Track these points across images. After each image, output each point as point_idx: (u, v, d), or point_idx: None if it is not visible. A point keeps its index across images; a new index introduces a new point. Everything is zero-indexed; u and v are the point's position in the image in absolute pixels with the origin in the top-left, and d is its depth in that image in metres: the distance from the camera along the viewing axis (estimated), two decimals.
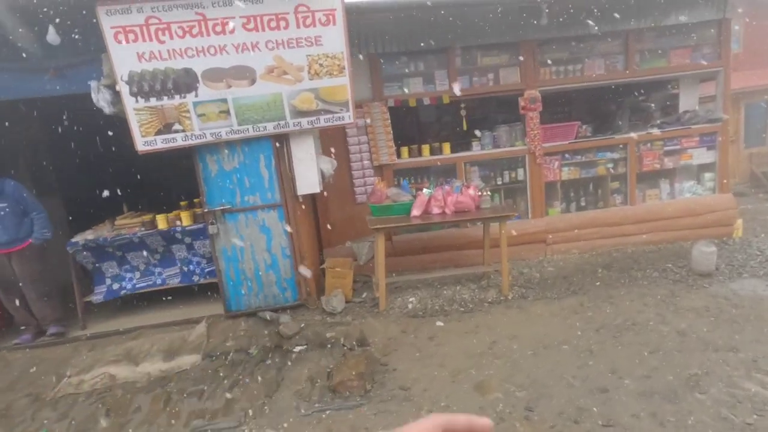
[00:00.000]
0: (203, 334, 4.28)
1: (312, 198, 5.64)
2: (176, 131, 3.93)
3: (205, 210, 4.25)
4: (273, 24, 3.78)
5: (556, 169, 5.95)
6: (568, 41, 5.61)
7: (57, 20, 3.60)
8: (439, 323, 4.44)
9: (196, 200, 4.89)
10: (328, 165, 4.87)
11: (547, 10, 4.93)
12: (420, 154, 5.85)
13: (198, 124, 3.95)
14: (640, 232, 5.98)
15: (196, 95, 3.85)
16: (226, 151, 4.20)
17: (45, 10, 3.53)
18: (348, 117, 4.23)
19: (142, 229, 4.62)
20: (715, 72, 5.92)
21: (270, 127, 4.10)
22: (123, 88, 3.72)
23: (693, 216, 6.00)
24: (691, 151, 6.07)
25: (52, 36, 3.58)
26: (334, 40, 3.94)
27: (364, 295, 5.11)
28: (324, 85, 4.06)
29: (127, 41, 3.60)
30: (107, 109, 3.84)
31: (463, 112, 5.73)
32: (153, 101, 3.80)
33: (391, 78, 5.57)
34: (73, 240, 4.54)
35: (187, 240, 4.65)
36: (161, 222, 4.63)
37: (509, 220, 4.70)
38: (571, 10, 5.22)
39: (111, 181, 4.88)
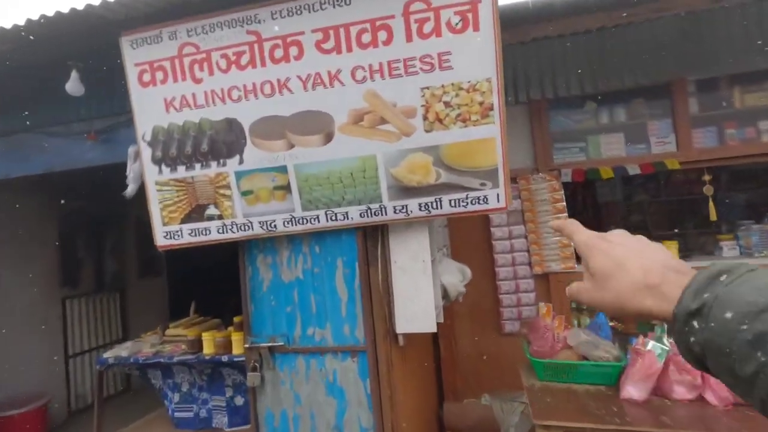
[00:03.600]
0: None
1: None
2: (211, 218, 2.40)
3: (248, 344, 2.51)
4: (366, 38, 2.09)
5: None
6: None
7: (88, 67, 2.53)
8: None
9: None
10: (458, 277, 2.78)
11: None
12: None
13: (242, 206, 2.35)
14: None
15: (241, 161, 2.30)
16: (287, 249, 2.50)
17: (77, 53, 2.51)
18: (497, 198, 2.16)
19: (184, 348, 3.12)
20: None
21: (354, 214, 2.28)
22: (144, 152, 2.38)
23: None
24: None
25: (75, 85, 2.49)
26: (476, 57, 2.04)
27: None
28: (452, 139, 2.13)
29: (154, 82, 2.31)
30: (130, 187, 2.54)
31: (708, 190, 3.11)
32: (181, 171, 2.36)
33: (567, 136, 3.37)
34: (104, 356, 3.26)
35: (235, 377, 2.96)
36: (207, 345, 3.07)
37: None
38: None
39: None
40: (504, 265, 3.41)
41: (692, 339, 0.41)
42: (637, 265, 0.47)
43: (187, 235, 2.40)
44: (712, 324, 0.39)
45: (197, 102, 2.26)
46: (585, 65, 2.91)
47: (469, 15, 2.00)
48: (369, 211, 2.26)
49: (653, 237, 0.53)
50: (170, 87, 2.28)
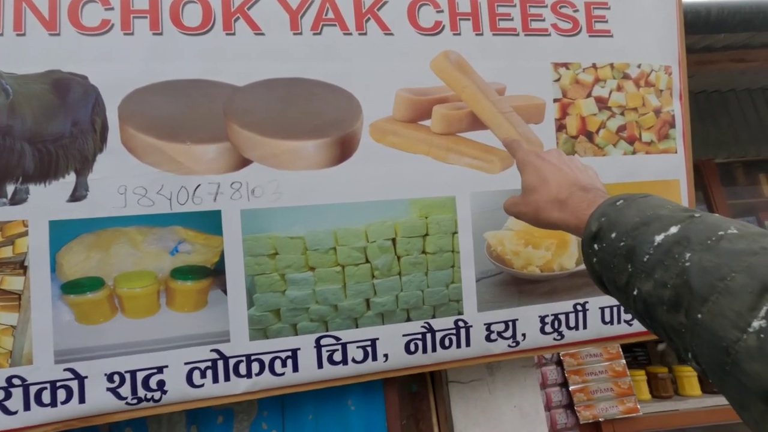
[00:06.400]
0: None
1: None
2: None
3: None
4: None
5: None
6: None
7: None
8: None
9: None
10: None
11: None
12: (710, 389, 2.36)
13: (53, 327, 0.77)
14: None
15: (80, 191, 0.80)
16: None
17: None
18: None
19: None
20: None
21: (394, 345, 0.87)
22: None
23: None
24: None
25: None
26: (650, 25, 1.05)
27: None
28: (611, 177, 1.01)
29: None
30: None
31: None
32: None
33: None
34: None
35: None
36: None
37: None
38: None
39: None
40: None
41: (594, 260, 0.43)
42: (555, 181, 0.52)
43: None
44: (604, 244, 0.42)
45: None
46: None
47: None
48: (429, 335, 0.89)
49: None
50: None
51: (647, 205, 0.41)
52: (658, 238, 0.37)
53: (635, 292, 0.39)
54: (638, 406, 2.19)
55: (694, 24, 1.61)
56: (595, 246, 0.43)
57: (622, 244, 0.40)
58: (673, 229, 0.37)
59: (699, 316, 0.32)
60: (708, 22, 1.60)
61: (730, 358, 0.30)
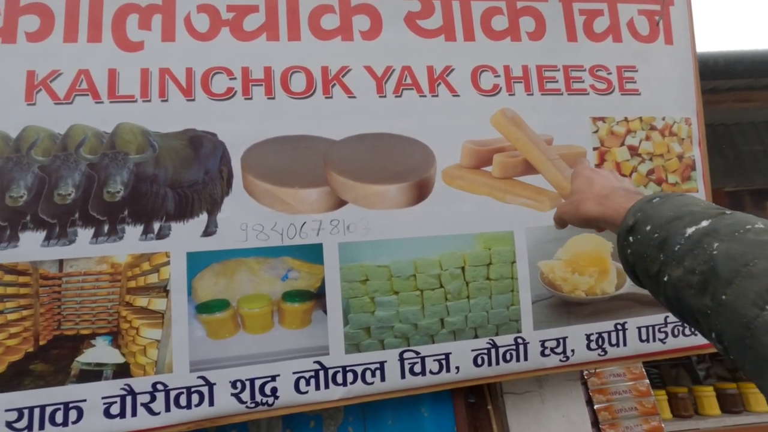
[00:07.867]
0: None
1: None
2: (93, 373, 0.89)
3: None
4: (499, 22, 1.14)
5: None
6: None
7: None
8: None
9: None
10: None
11: None
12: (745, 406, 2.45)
13: (189, 341, 0.92)
14: None
15: (210, 227, 0.96)
16: None
17: None
18: None
19: None
20: None
21: (463, 358, 1.02)
22: None
23: None
24: None
25: None
26: (671, 83, 1.23)
27: None
28: None
29: (10, 36, 0.98)
30: None
31: None
32: (29, 247, 0.90)
33: None
34: None
35: None
36: None
37: None
38: None
39: None
40: None
41: (629, 251, 0.46)
42: (600, 183, 0.56)
43: None
44: (639, 236, 0.45)
45: (119, 86, 0.95)
46: None
47: (659, 19, 1.23)
48: (493, 351, 1.04)
49: None
50: (52, 48, 0.95)
51: (681, 202, 0.44)
52: (690, 231, 0.40)
53: (665, 278, 0.42)
54: (662, 425, 2.29)
55: (704, 72, 1.80)
56: (630, 238, 0.46)
57: (656, 235, 0.43)
58: (704, 223, 0.40)
59: (723, 297, 0.35)
60: (716, 69, 1.80)
61: (749, 332, 0.33)
